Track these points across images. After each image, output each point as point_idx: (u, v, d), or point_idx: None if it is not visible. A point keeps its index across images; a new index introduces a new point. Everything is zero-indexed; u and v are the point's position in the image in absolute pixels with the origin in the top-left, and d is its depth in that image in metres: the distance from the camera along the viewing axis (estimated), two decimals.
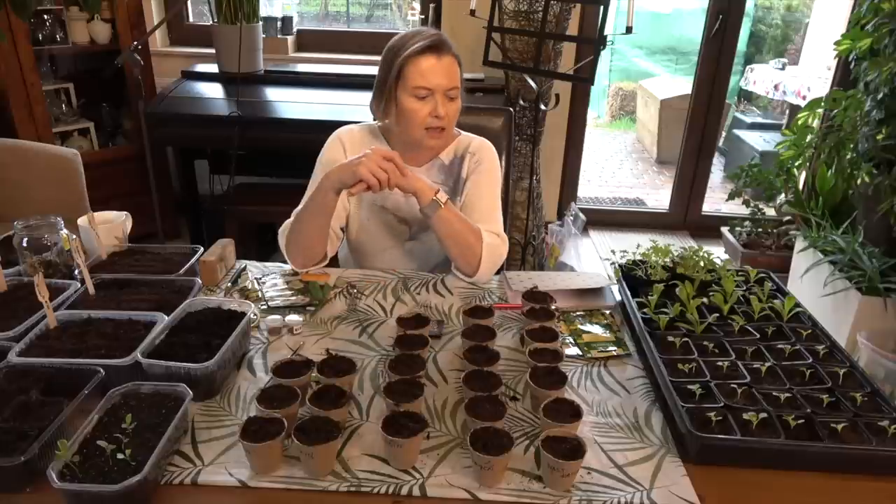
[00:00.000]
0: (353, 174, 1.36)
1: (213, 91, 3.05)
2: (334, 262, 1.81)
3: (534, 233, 3.05)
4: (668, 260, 1.47)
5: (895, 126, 2.35)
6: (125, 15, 3.06)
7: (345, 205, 1.61)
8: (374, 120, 1.62)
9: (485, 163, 1.61)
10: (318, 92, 3.03)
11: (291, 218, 1.53)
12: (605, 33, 2.27)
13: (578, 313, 1.40)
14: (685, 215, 3.87)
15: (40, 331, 1.15)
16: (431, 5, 3.38)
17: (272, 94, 3.03)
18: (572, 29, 3.17)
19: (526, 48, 2.84)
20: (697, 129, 3.65)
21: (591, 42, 2.47)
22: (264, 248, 3.13)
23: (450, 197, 1.56)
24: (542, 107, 2.91)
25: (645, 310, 1.30)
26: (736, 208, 3.66)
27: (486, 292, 1.50)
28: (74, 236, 1.35)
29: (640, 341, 1.25)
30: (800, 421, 1.00)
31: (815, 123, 3.09)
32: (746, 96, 6.08)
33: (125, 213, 1.62)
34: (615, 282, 1.46)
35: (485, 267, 1.49)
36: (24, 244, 1.40)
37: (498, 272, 1.60)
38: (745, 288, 1.40)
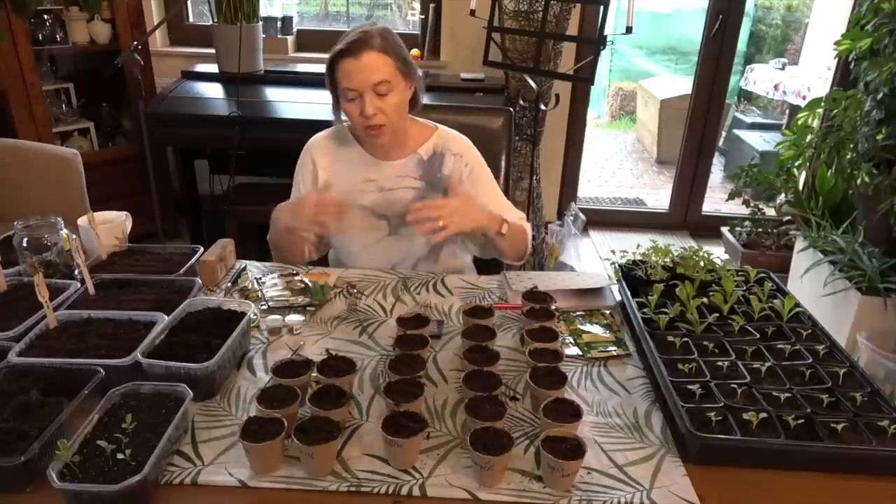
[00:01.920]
0: (296, 230, 1.50)
1: (213, 91, 3.05)
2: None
3: (534, 233, 3.04)
4: (668, 260, 1.47)
5: (895, 126, 2.35)
6: (125, 15, 3.06)
7: None
8: None
9: (475, 165, 1.64)
10: (318, 92, 3.00)
11: (270, 227, 1.58)
12: (605, 33, 2.27)
13: (578, 313, 1.40)
14: (685, 215, 3.87)
15: (40, 331, 1.15)
16: (431, 5, 3.38)
17: (272, 94, 3.03)
18: (572, 29, 3.17)
19: (526, 48, 2.84)
20: (697, 129, 3.65)
21: (591, 42, 2.47)
22: (264, 248, 3.12)
23: (428, 193, 1.59)
24: (542, 107, 2.91)
25: (645, 310, 1.30)
26: (736, 208, 3.66)
27: (486, 292, 1.50)
28: (74, 236, 1.35)
29: (640, 341, 1.25)
30: (800, 421, 1.00)
31: (815, 123, 3.09)
32: (746, 96, 6.07)
33: (125, 213, 1.62)
34: (615, 282, 1.46)
35: (529, 247, 1.65)
36: (24, 244, 1.39)
37: (498, 271, 1.61)
38: (745, 288, 1.40)
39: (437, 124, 1.67)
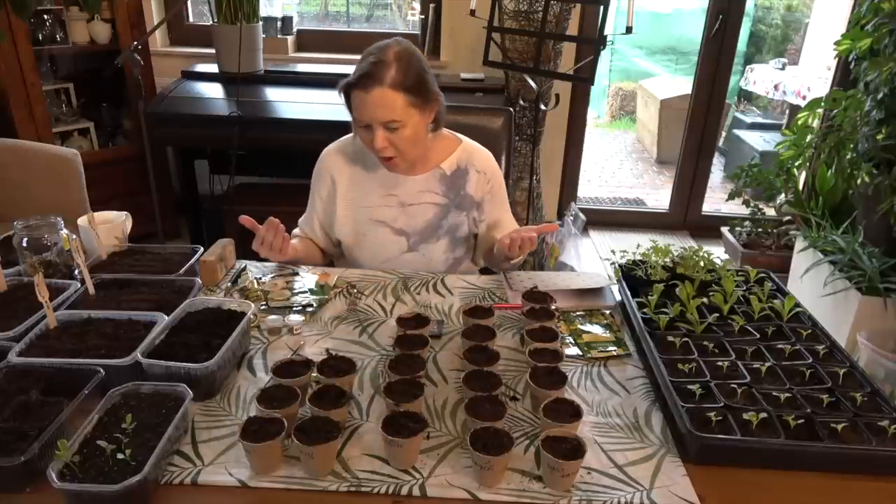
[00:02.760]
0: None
1: (213, 91, 3.04)
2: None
3: None
4: (668, 260, 1.47)
5: (895, 126, 2.35)
6: (125, 15, 3.06)
7: (316, 233, 1.66)
8: None
9: (496, 183, 1.63)
10: (318, 92, 3.03)
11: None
12: (605, 33, 2.27)
13: (578, 313, 1.40)
14: (685, 215, 3.87)
15: (40, 331, 1.15)
16: (431, 5, 3.38)
17: (272, 94, 3.03)
18: (572, 29, 3.17)
19: (526, 48, 2.84)
20: (697, 129, 3.65)
21: (591, 42, 2.47)
22: None
23: (451, 209, 1.58)
24: (542, 107, 2.91)
25: (645, 310, 1.30)
26: (736, 208, 3.66)
27: (486, 292, 1.50)
28: (74, 236, 1.35)
29: (640, 341, 1.25)
30: (800, 421, 1.00)
31: (815, 123, 3.09)
32: (746, 96, 6.07)
33: (125, 213, 1.62)
34: (615, 282, 1.46)
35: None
36: (24, 244, 1.39)
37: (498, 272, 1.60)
38: (745, 288, 1.40)
39: (462, 136, 1.63)
